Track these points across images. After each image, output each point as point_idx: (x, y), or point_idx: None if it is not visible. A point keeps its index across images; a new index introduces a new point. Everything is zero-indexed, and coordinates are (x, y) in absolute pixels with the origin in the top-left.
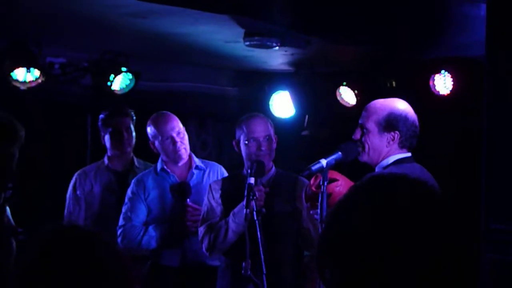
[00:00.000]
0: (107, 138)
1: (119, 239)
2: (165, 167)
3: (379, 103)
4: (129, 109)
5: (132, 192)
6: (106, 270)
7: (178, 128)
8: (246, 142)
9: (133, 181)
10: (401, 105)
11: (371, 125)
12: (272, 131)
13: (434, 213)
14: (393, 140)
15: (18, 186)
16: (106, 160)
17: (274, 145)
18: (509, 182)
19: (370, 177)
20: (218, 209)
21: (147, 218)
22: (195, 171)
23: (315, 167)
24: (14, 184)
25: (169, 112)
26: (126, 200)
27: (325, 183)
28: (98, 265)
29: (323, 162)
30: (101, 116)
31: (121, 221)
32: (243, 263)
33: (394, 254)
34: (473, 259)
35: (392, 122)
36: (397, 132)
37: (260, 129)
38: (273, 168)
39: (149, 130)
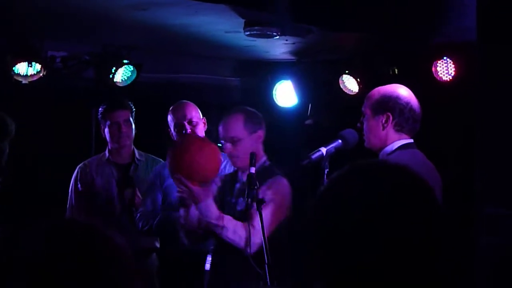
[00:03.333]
0: (106, 131)
1: (136, 224)
2: None
3: (376, 89)
4: (129, 101)
5: (149, 181)
6: (106, 263)
7: (190, 116)
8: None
9: (152, 170)
10: (395, 88)
11: (367, 110)
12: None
13: (415, 201)
14: (386, 121)
15: (24, 180)
16: (107, 153)
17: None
18: (503, 166)
19: (348, 167)
20: None
21: (163, 205)
22: None
23: (315, 155)
24: (4, 178)
25: (188, 102)
26: (145, 188)
27: (326, 171)
28: (97, 259)
29: (323, 150)
30: (100, 109)
31: (139, 208)
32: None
33: (377, 245)
34: (459, 249)
35: (383, 103)
36: (388, 113)
37: None
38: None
39: (168, 118)
